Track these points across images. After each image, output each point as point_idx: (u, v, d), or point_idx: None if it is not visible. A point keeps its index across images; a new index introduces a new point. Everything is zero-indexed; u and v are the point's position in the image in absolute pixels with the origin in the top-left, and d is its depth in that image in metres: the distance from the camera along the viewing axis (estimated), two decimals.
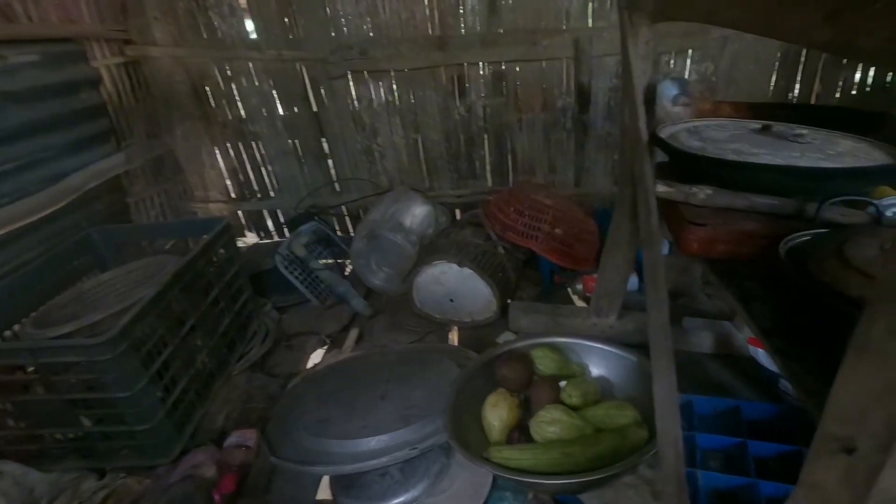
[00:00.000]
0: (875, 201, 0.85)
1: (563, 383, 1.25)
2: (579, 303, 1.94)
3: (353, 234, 2.24)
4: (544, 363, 1.23)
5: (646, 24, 1.13)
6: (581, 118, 2.11)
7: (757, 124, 1.06)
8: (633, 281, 1.80)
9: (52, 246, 1.66)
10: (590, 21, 1.93)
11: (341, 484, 1.15)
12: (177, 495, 1.18)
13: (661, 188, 0.97)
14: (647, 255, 0.92)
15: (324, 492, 1.20)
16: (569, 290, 2.00)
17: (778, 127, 0.99)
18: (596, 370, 1.26)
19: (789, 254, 0.77)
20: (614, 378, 1.23)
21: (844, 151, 0.87)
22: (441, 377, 1.36)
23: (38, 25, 1.72)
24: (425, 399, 1.26)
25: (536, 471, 0.98)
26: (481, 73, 2.05)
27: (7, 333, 1.38)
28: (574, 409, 1.12)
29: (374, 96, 2.13)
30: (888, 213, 0.89)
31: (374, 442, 1.14)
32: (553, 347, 1.26)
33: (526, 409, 1.19)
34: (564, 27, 1.94)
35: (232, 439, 1.33)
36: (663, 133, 1.05)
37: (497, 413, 1.13)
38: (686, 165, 0.94)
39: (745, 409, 1.14)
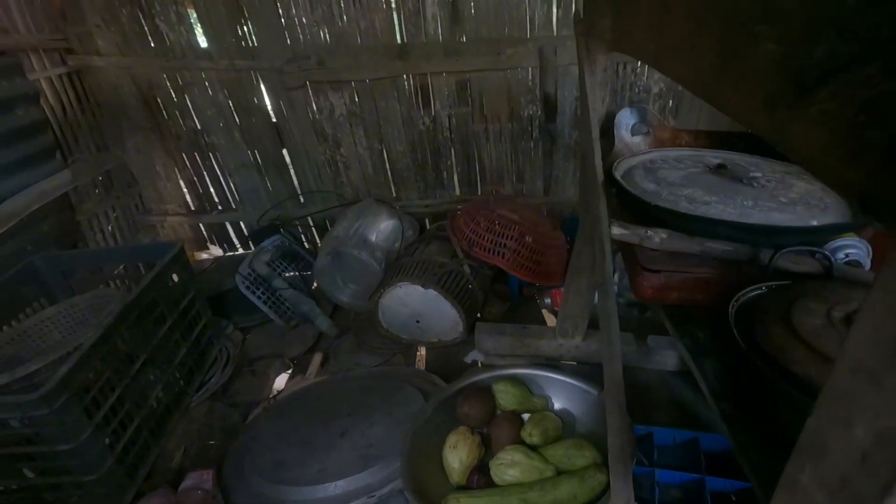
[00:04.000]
0: (825, 250, 0.84)
1: (525, 415, 1.24)
2: (548, 316, 1.92)
3: (320, 245, 2.19)
4: (505, 398, 1.21)
5: (603, 52, 1.09)
6: (548, 127, 2.07)
7: (714, 158, 1.04)
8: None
9: None
10: (555, 30, 1.88)
11: None
12: None
13: (617, 230, 0.94)
14: (602, 303, 0.90)
15: None
16: (538, 301, 1.99)
17: (734, 165, 0.97)
18: (558, 403, 1.25)
19: (739, 312, 0.75)
20: (577, 412, 1.21)
21: (797, 199, 0.85)
22: (404, 408, 1.34)
23: None
24: (386, 436, 1.24)
25: None
26: (445, 82, 1.99)
27: None
28: (534, 447, 1.11)
29: (335, 107, 2.05)
30: (838, 257, 0.89)
31: (332, 488, 1.11)
32: (515, 380, 1.24)
33: (487, 446, 1.18)
34: (529, 36, 1.89)
35: (188, 482, 1.29)
36: (620, 169, 1.03)
37: (457, 455, 1.11)
38: (641, 209, 0.91)
39: (703, 441, 1.15)
